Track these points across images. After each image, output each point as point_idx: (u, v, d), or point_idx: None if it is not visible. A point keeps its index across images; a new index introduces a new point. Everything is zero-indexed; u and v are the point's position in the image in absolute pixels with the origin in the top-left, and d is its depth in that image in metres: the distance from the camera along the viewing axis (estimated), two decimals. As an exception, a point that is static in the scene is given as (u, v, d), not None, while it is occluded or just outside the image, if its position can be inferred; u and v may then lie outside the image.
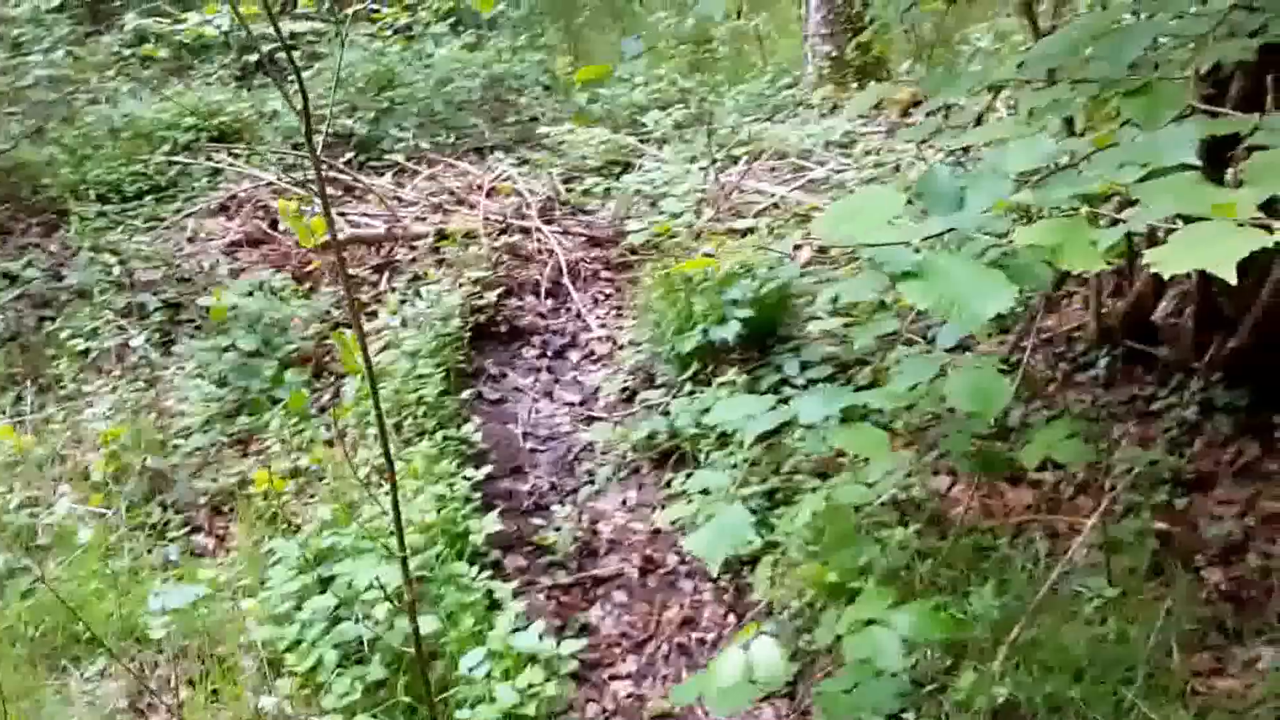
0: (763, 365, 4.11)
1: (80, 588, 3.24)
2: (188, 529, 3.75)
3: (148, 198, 6.73)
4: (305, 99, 1.94)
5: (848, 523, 2.81)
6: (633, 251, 5.62)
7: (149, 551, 3.56)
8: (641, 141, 7.10)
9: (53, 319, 5.13)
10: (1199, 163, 1.59)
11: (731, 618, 3.18)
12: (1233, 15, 2.19)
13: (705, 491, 2.59)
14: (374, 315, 4.72)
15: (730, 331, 4.06)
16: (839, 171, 6.01)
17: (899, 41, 8.22)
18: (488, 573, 3.14)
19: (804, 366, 3.99)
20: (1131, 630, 2.78)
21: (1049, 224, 1.55)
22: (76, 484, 3.76)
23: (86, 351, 4.70)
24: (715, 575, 3.24)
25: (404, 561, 2.10)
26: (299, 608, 2.90)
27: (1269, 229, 1.26)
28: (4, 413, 4.41)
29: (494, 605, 3.01)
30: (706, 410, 3.82)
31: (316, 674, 2.80)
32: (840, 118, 6.82)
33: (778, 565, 3.08)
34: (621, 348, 4.79)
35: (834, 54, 8.01)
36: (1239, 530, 3.11)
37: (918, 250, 1.63)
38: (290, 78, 6.94)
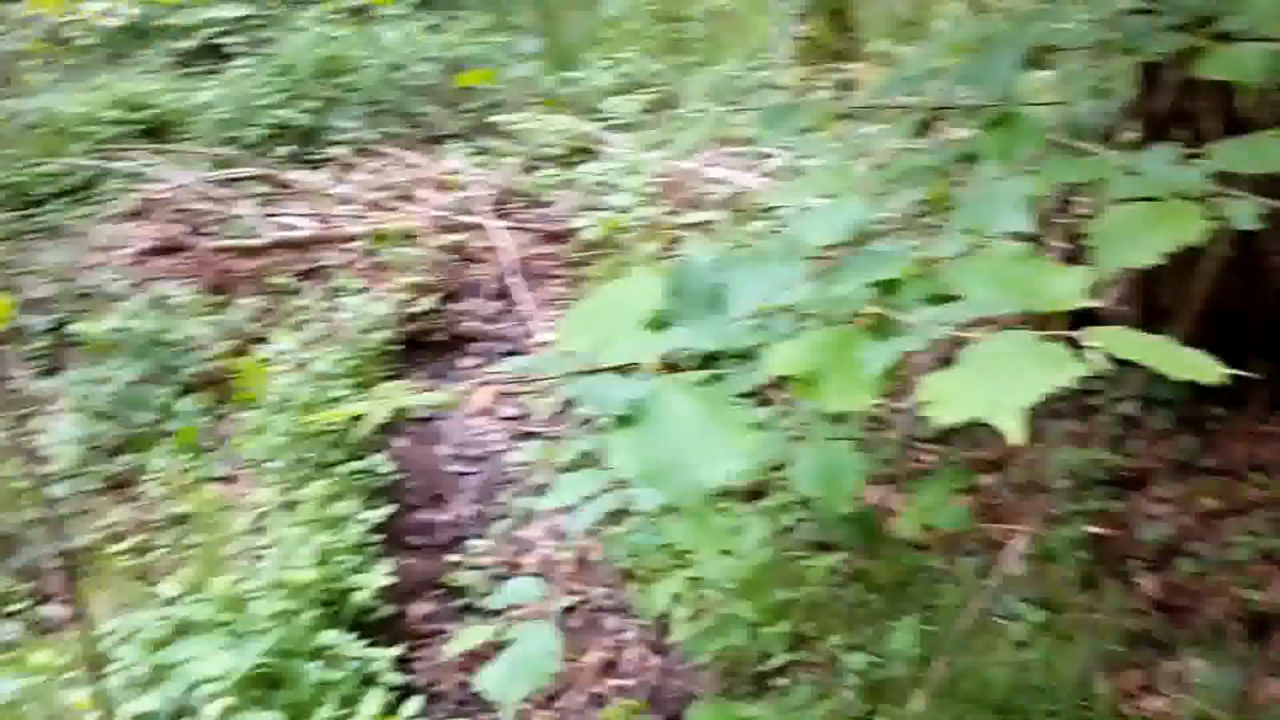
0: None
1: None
2: (34, 600, 3.34)
3: (60, 201, 6.35)
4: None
5: (760, 571, 2.68)
6: (589, 248, 5.45)
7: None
8: (607, 128, 6.91)
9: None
10: (1031, 230, 1.41)
11: (655, 660, 3.04)
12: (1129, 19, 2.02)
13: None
14: (297, 328, 4.46)
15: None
16: (804, 158, 5.82)
17: (875, 20, 8.00)
18: (366, 640, 2.83)
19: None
20: (1060, 654, 2.67)
21: (812, 340, 1.17)
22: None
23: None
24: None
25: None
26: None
27: (1077, 344, 1.06)
28: None
29: (369, 680, 2.72)
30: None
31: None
32: (816, 110, 6.57)
33: (699, 601, 2.95)
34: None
35: (807, 34, 7.80)
36: (1174, 531, 3.00)
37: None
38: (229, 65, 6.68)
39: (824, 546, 3.02)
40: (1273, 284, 3.36)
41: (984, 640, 2.73)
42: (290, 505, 3.30)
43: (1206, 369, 1.11)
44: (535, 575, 3.46)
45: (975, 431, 3.47)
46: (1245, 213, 1.40)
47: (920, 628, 2.75)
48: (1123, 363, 3.31)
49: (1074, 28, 2.21)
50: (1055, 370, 1.03)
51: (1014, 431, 0.99)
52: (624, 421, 1.17)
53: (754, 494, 3.13)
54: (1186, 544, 2.97)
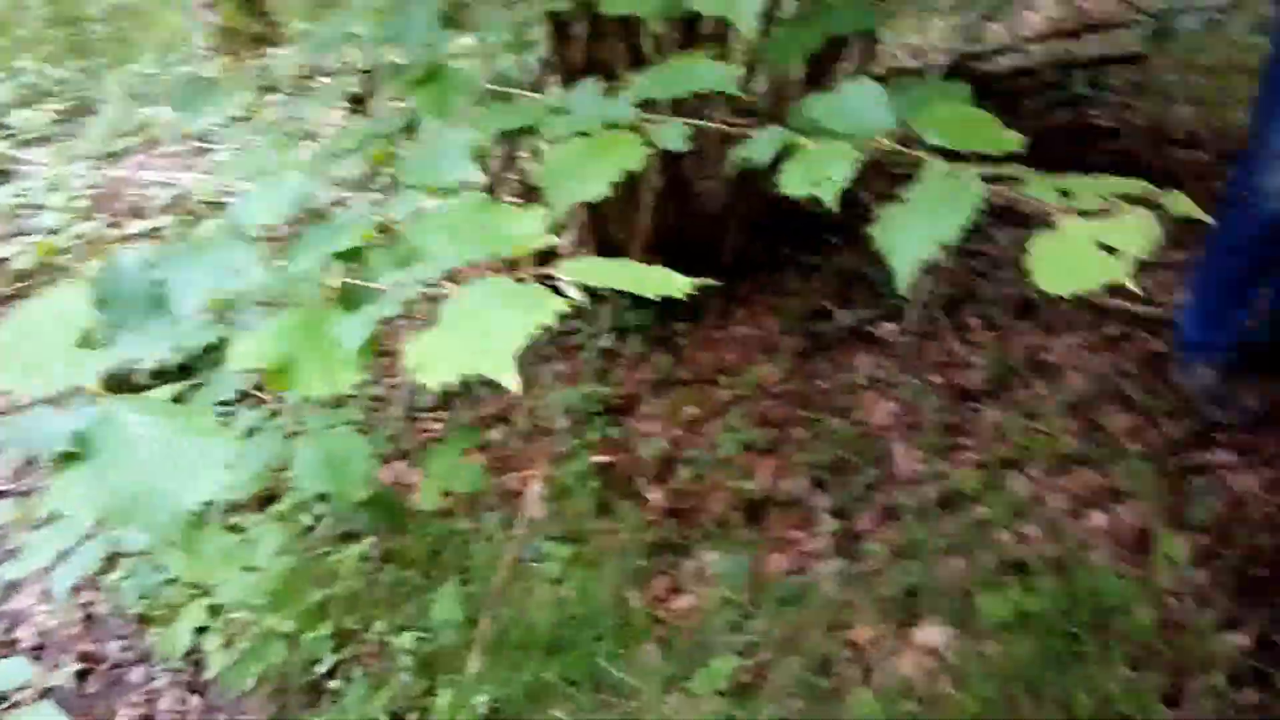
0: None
1: None
2: None
3: None
4: None
5: (286, 578, 2.54)
6: (22, 278, 4.82)
7: None
8: (18, 144, 6.15)
9: None
10: (480, 177, 1.42)
11: (195, 700, 2.80)
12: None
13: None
14: None
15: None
16: (242, 149, 5.55)
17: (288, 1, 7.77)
18: None
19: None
20: (592, 580, 2.80)
21: (277, 325, 1.06)
22: None
23: None
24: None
25: None
26: None
27: (554, 285, 1.07)
28: None
29: None
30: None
31: None
32: (239, 91, 6.31)
33: (229, 626, 2.75)
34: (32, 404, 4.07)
35: (222, 23, 7.41)
36: (668, 444, 3.23)
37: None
38: None
39: (350, 536, 2.94)
40: (700, 207, 3.71)
41: (522, 587, 2.79)
42: None
43: (673, 283, 1.16)
44: (36, 648, 3.06)
45: (475, 390, 3.54)
46: (672, 134, 1.48)
47: (460, 591, 2.77)
48: (594, 299, 3.53)
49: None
50: (536, 311, 1.02)
51: (509, 380, 0.98)
52: (71, 458, 1.00)
53: (266, 500, 2.96)
54: (681, 452, 3.22)
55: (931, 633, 2.54)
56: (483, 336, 0.99)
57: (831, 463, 3.09)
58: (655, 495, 3.09)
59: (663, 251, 3.34)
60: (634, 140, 1.44)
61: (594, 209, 3.58)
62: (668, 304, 3.59)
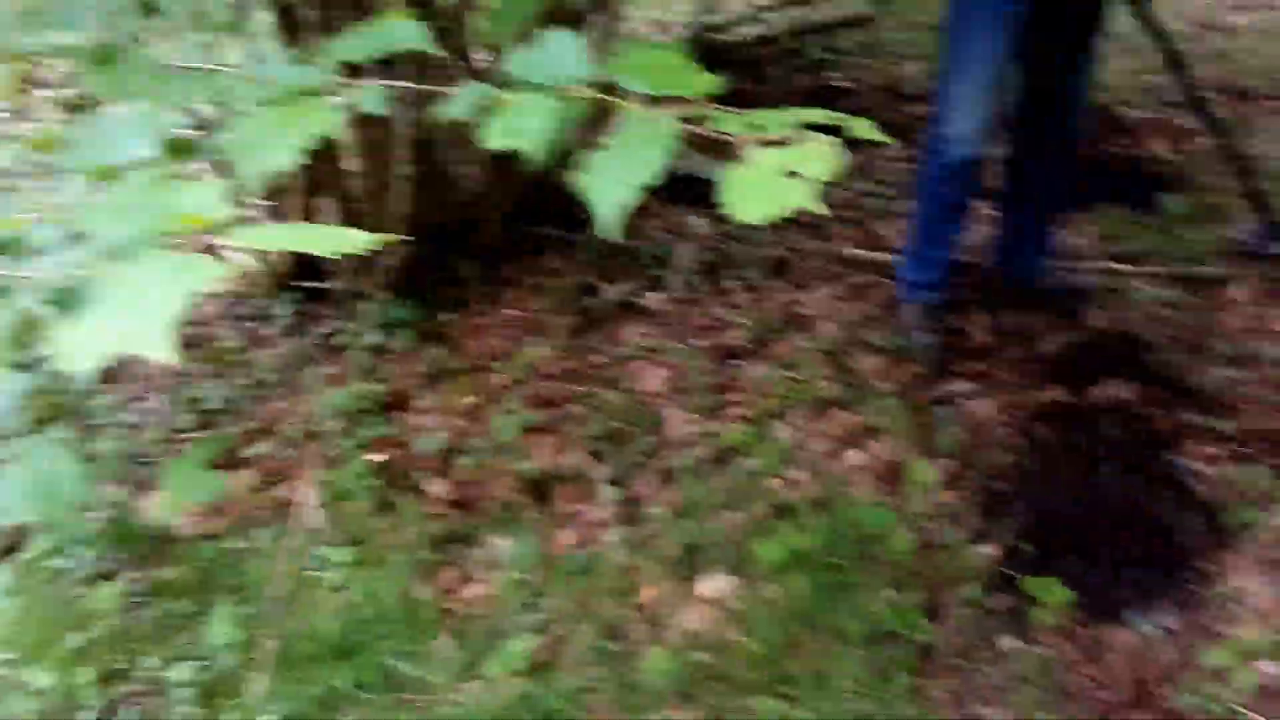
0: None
1: None
2: None
3: None
4: None
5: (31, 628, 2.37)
6: None
7: None
8: None
9: None
10: (157, 154, 1.35)
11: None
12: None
13: None
14: None
15: None
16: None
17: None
18: None
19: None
20: (378, 581, 2.73)
21: None
22: None
23: None
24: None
25: None
26: None
27: (216, 253, 1.01)
28: None
29: None
30: None
31: None
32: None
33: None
34: None
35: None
36: (447, 435, 3.18)
37: None
38: None
39: (109, 575, 2.77)
40: (458, 193, 3.67)
41: (304, 598, 2.70)
42: None
43: (351, 240, 1.13)
44: None
45: (240, 405, 3.39)
46: (371, 97, 1.44)
47: (237, 613, 2.65)
48: (358, 296, 3.42)
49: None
50: (190, 280, 0.97)
51: (163, 353, 0.92)
52: None
53: (7, 550, 2.77)
54: (461, 442, 3.17)
55: (713, 584, 2.58)
56: (134, 313, 0.93)
57: (609, 434, 3.11)
58: (437, 488, 3.04)
59: (423, 238, 3.28)
60: (326, 106, 1.39)
61: (346, 199, 3.48)
62: (435, 296, 3.54)
